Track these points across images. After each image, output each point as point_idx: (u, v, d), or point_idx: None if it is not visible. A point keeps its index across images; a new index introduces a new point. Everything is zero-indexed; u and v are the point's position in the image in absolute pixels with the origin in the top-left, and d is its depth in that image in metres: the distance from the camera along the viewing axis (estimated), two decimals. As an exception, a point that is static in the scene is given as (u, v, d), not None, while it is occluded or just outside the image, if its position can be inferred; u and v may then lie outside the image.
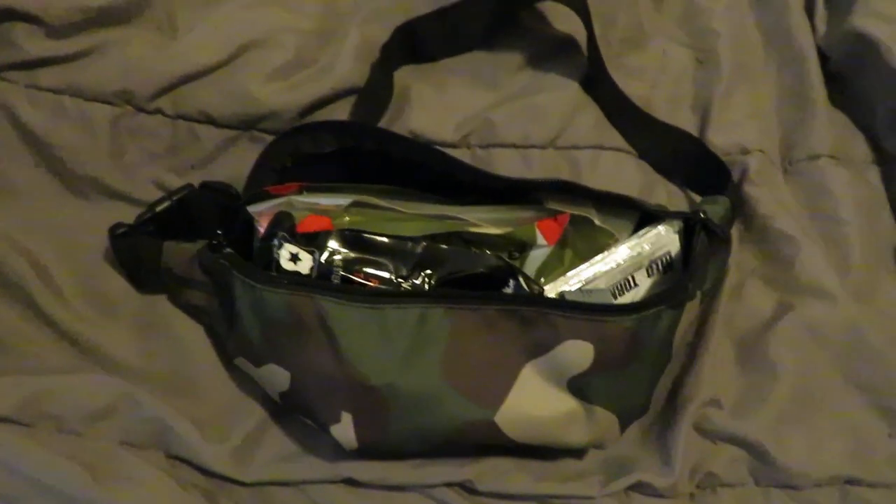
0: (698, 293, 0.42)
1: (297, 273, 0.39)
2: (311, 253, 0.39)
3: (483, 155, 0.50)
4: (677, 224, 0.44)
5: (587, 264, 0.43)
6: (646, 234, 0.44)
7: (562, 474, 0.41)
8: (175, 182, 0.46)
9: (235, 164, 0.46)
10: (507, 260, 0.42)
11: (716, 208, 0.45)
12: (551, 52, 0.53)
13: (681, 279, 0.41)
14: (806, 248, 0.47)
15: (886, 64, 0.51)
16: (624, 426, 0.41)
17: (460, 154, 0.49)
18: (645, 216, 0.45)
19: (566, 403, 0.39)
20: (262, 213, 0.42)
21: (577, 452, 0.42)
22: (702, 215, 0.43)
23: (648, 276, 0.44)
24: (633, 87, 0.52)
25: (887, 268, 0.49)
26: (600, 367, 0.38)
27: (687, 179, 0.51)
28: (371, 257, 0.39)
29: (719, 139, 0.52)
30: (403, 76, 0.51)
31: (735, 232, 0.49)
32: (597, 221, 0.43)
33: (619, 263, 0.43)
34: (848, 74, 0.54)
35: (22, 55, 0.45)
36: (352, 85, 0.49)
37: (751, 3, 0.57)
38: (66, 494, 0.36)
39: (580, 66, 0.52)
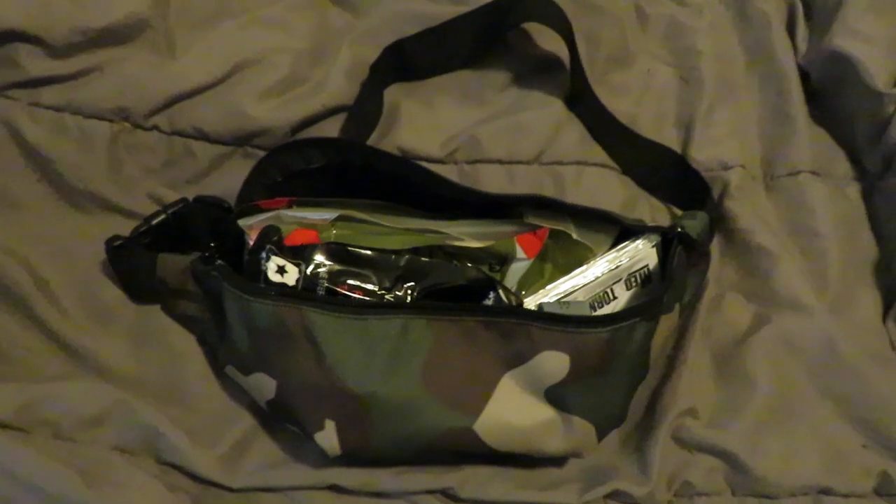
0: (677, 306, 0.43)
1: (283, 285, 0.40)
2: (298, 265, 0.40)
3: (469, 170, 0.51)
4: (655, 238, 0.45)
5: (566, 277, 0.44)
6: (624, 248, 0.45)
7: (541, 482, 0.42)
8: (170, 196, 0.47)
9: (229, 178, 0.48)
10: (487, 273, 0.43)
11: (694, 223, 0.46)
12: (536, 70, 0.55)
13: (657, 292, 0.42)
14: (784, 262, 0.48)
15: (864, 82, 0.52)
16: (601, 435, 0.42)
17: (447, 169, 0.51)
18: (624, 230, 0.46)
19: (544, 412, 0.40)
20: (252, 227, 0.43)
21: (557, 461, 0.43)
22: (679, 230, 0.44)
23: (627, 289, 0.45)
24: (617, 105, 0.54)
25: (865, 282, 0.50)
26: (576, 377, 0.39)
27: (669, 194, 0.52)
28: (355, 270, 0.41)
29: (701, 155, 0.53)
30: (393, 94, 0.53)
31: (715, 246, 0.50)
32: (575, 236, 0.45)
33: (598, 276, 0.44)
34: (828, 92, 0.55)
35: (24, 74, 0.47)
36: (342, 103, 0.51)
37: (733, 23, 0.59)
38: (60, 498, 0.37)
39: (564, 84, 0.54)
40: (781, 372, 0.46)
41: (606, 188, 0.52)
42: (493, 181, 0.50)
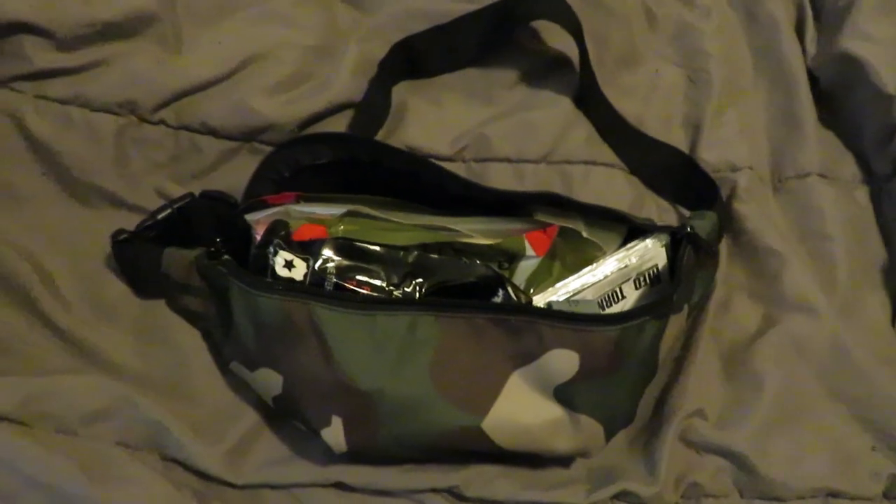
0: (685, 306, 0.43)
1: (291, 280, 0.40)
2: (306, 260, 0.40)
3: (477, 168, 0.51)
4: (664, 238, 0.45)
5: (575, 276, 0.44)
6: (633, 247, 0.45)
7: (548, 482, 0.42)
8: (176, 191, 0.47)
9: (235, 174, 0.48)
10: (496, 270, 0.43)
11: (703, 223, 0.45)
12: (545, 69, 0.55)
13: (666, 291, 0.41)
14: (792, 264, 0.48)
15: (874, 85, 0.52)
16: (609, 435, 0.41)
17: (455, 167, 0.50)
18: (633, 230, 0.46)
19: (552, 411, 0.39)
20: (259, 222, 0.43)
21: (564, 460, 0.43)
22: (688, 230, 0.44)
23: (636, 288, 0.45)
24: (626, 105, 0.53)
25: (873, 285, 0.50)
26: (585, 375, 0.38)
27: (676, 195, 0.52)
28: (364, 265, 0.40)
29: (709, 156, 0.53)
30: (400, 91, 0.53)
31: (723, 247, 0.50)
32: (585, 234, 0.45)
33: (607, 275, 0.44)
34: (837, 95, 0.55)
35: (31, 67, 0.47)
36: (350, 99, 0.51)
37: (742, 24, 0.59)
38: (63, 493, 0.37)
39: (573, 83, 0.54)
40: (790, 374, 0.45)
41: (614, 188, 0.52)
42: (501, 179, 0.50)
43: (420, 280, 0.41)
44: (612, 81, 0.54)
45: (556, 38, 0.55)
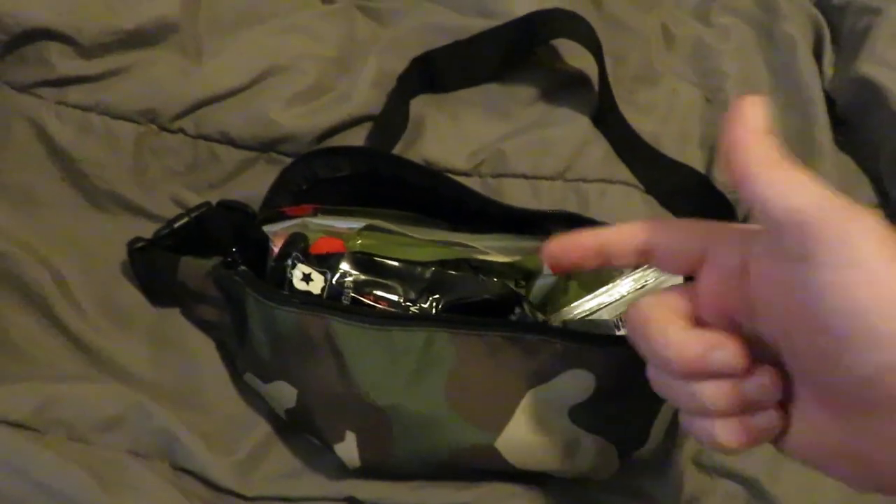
0: (700, 327, 0.43)
1: (308, 293, 0.40)
2: (323, 274, 0.40)
3: (494, 184, 0.51)
4: (681, 259, 0.45)
5: (592, 295, 0.43)
6: (650, 266, 0.45)
7: (559, 502, 0.42)
8: (194, 199, 0.47)
9: (253, 184, 0.48)
10: (513, 288, 0.43)
11: (719, 245, 0.45)
12: (563, 86, 0.55)
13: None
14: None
15: (891, 110, 0.52)
16: (623, 457, 0.41)
17: (471, 182, 0.50)
18: (650, 250, 0.45)
19: (566, 431, 0.39)
20: (276, 234, 0.43)
21: (576, 481, 0.42)
22: (705, 251, 0.44)
23: (651, 308, 0.45)
24: (642, 124, 0.54)
25: (888, 310, 0.50)
26: (600, 396, 0.38)
27: (692, 215, 0.52)
28: (381, 280, 0.40)
29: (725, 177, 0.53)
30: (419, 105, 0.53)
31: (738, 269, 0.49)
32: (602, 253, 0.44)
33: (623, 295, 0.44)
34: (854, 119, 0.55)
35: (53, 73, 0.47)
36: (368, 112, 0.51)
37: (760, 45, 0.59)
38: (74, 500, 0.37)
39: (591, 101, 0.54)
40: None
41: (629, 207, 0.52)
42: (516, 195, 0.50)
43: (437, 296, 0.41)
44: (630, 100, 0.55)
45: (574, 55, 0.55)
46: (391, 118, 0.51)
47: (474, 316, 0.39)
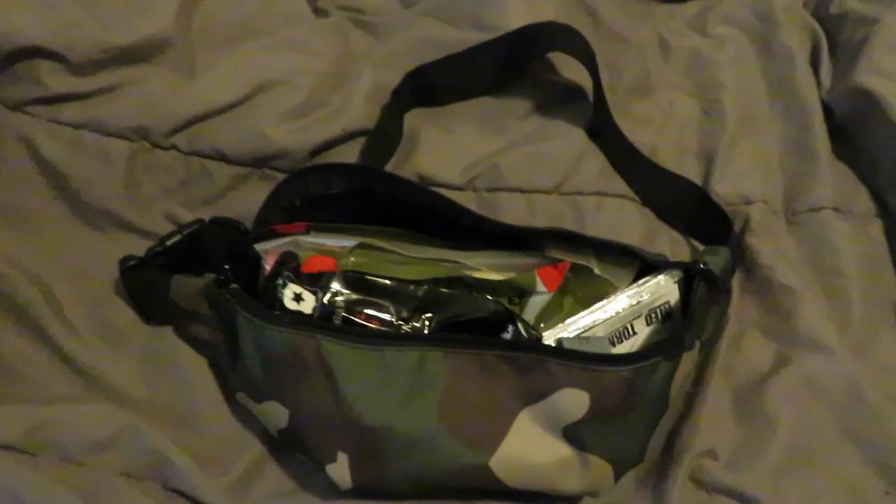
0: (697, 343, 0.42)
1: (299, 312, 0.39)
2: (315, 293, 0.39)
3: (489, 198, 0.50)
4: (677, 274, 0.44)
5: (586, 312, 0.43)
6: (645, 283, 0.44)
7: (555, 521, 0.41)
8: (187, 216, 0.47)
9: (246, 200, 0.48)
10: (506, 306, 0.42)
11: (716, 259, 0.45)
12: (558, 99, 0.54)
13: (678, 331, 0.41)
14: (806, 300, 0.48)
15: (889, 120, 0.52)
16: (618, 475, 0.41)
17: (466, 196, 0.50)
18: (645, 265, 0.45)
19: (561, 451, 0.39)
20: (268, 252, 0.43)
21: (572, 500, 0.42)
22: (701, 266, 0.43)
23: (647, 324, 0.44)
24: (639, 136, 0.53)
25: (887, 323, 0.50)
26: (596, 416, 0.38)
27: (689, 228, 0.52)
28: (373, 299, 0.40)
29: (723, 188, 0.52)
30: (413, 119, 0.53)
31: (736, 282, 0.49)
32: (596, 270, 0.44)
33: (618, 312, 0.43)
34: (852, 129, 0.55)
35: (45, 90, 0.47)
36: (362, 127, 0.51)
37: (757, 56, 0.58)
38: (65, 524, 0.36)
39: (586, 113, 0.54)
40: (803, 414, 0.45)
41: (626, 220, 0.51)
42: (512, 210, 0.50)
43: (430, 315, 0.40)
44: (626, 112, 0.54)
45: (569, 68, 0.55)
46: (385, 133, 0.51)
47: (467, 334, 0.39)
